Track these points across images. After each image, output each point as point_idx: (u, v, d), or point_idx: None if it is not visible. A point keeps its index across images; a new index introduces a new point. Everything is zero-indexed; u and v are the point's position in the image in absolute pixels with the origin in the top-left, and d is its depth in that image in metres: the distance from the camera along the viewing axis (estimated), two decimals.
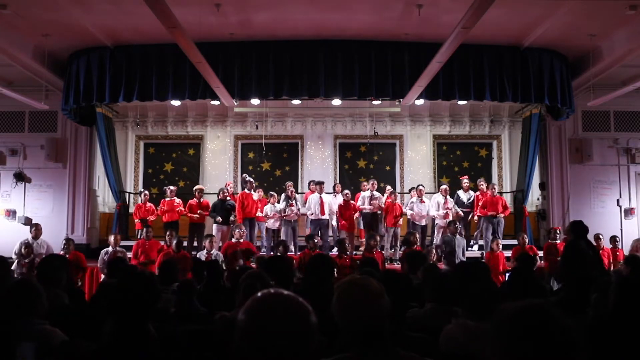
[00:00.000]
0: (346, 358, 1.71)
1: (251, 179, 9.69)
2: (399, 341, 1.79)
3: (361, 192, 9.92)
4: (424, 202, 9.51)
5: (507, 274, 7.44)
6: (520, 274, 4.44)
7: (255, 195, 9.55)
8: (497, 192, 9.75)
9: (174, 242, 7.75)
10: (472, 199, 9.83)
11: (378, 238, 8.48)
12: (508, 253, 8.37)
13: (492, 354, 1.30)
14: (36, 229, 8.22)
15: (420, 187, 9.67)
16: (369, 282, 1.76)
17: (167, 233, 8.26)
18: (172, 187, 9.75)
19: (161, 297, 3.12)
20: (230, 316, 2.90)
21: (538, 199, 11.06)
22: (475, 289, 2.66)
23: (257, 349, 1.17)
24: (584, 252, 5.42)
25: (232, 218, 9.22)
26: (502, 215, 9.31)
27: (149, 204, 9.73)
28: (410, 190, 10.29)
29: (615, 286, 2.33)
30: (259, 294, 1.27)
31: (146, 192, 9.98)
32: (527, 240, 8.46)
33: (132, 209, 11.33)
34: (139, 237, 9.23)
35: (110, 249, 8.00)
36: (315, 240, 8.05)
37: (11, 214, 10.33)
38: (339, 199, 9.81)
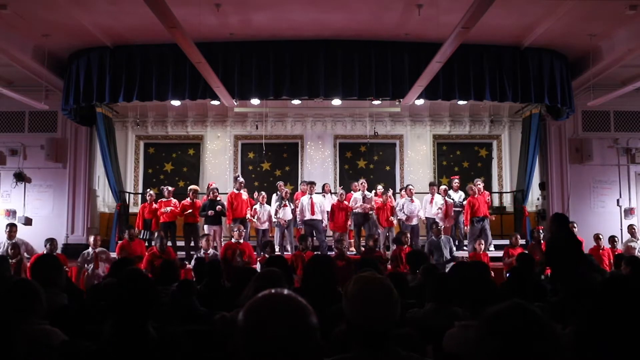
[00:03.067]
0: (348, 358, 1.70)
1: (241, 179, 9.65)
2: (399, 341, 1.78)
3: (352, 192, 9.89)
4: (414, 201, 9.51)
5: (507, 274, 7.44)
6: (521, 274, 4.45)
7: (244, 195, 9.47)
8: (496, 192, 9.72)
9: (158, 243, 7.61)
10: (462, 198, 9.83)
11: (376, 237, 8.47)
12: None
13: (478, 353, 1.32)
14: (10, 230, 8.09)
15: (410, 187, 9.67)
16: (390, 283, 1.75)
17: (156, 235, 8.16)
18: (169, 188, 9.69)
19: (160, 297, 3.12)
20: (230, 316, 2.90)
21: (538, 199, 11.06)
22: (475, 289, 2.67)
23: (256, 350, 1.17)
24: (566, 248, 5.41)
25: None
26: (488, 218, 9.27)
27: (154, 205, 9.65)
28: (400, 190, 10.27)
29: (597, 285, 2.34)
30: (259, 294, 1.26)
31: (152, 192, 9.90)
32: (520, 241, 8.44)
33: (132, 209, 11.35)
34: (140, 237, 9.21)
35: (90, 250, 7.93)
36: (308, 242, 8.03)
37: (11, 214, 10.32)
38: (329, 199, 9.78)
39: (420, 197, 9.92)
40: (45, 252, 7.41)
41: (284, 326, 1.18)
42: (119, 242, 8.77)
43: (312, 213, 9.32)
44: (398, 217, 9.47)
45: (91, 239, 8.06)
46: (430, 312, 3.29)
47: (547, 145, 10.65)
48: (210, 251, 7.96)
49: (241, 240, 8.05)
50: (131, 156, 12.26)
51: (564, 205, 10.45)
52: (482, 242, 8.45)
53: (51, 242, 7.67)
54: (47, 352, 2.39)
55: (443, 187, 9.73)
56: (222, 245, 8.82)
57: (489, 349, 1.30)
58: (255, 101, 9.87)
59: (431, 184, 10.18)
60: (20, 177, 10.41)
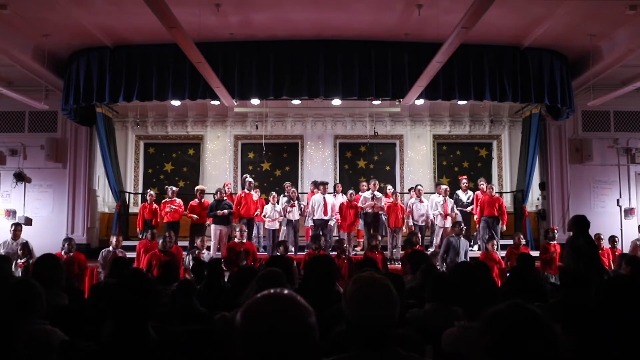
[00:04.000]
0: (348, 358, 1.70)
1: (251, 179, 9.70)
2: (399, 341, 1.78)
3: (360, 192, 9.91)
4: (422, 202, 9.55)
5: (508, 274, 7.43)
6: (521, 274, 4.46)
7: (255, 196, 9.55)
8: (496, 193, 9.74)
9: (160, 241, 7.62)
10: (471, 198, 9.85)
11: (380, 238, 8.46)
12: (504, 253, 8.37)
13: (481, 351, 1.35)
14: (15, 230, 8.08)
15: (419, 187, 9.69)
16: (389, 283, 1.75)
17: (166, 234, 8.19)
18: (174, 188, 9.72)
19: (160, 297, 3.12)
20: (230, 316, 2.89)
21: (538, 199, 11.06)
22: (475, 289, 2.67)
23: (254, 350, 1.17)
24: (582, 251, 5.44)
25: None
26: (502, 224, 9.27)
27: (155, 205, 9.65)
28: (409, 190, 10.29)
29: (599, 286, 2.34)
30: (258, 294, 1.26)
31: (152, 192, 9.88)
32: (522, 241, 8.38)
33: (132, 209, 11.36)
34: (141, 237, 9.21)
35: (110, 248, 7.97)
36: (321, 242, 8.03)
37: (11, 214, 10.32)
38: (339, 199, 9.81)
39: (425, 197, 9.92)
40: (63, 252, 7.49)
41: (282, 326, 1.18)
42: (140, 240, 8.78)
43: (325, 213, 9.34)
44: (409, 223, 9.48)
45: (113, 239, 8.06)
46: (430, 312, 3.29)
47: (547, 145, 10.65)
48: (205, 251, 7.97)
49: (244, 240, 8.07)
50: (131, 156, 12.26)
51: (564, 205, 10.45)
52: (495, 242, 8.40)
53: (69, 241, 7.67)
54: (47, 352, 2.39)
55: (444, 187, 9.72)
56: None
57: (487, 346, 1.32)
58: (255, 101, 9.88)
59: (438, 184, 10.21)
60: (20, 177, 10.41)
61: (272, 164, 12.45)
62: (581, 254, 5.58)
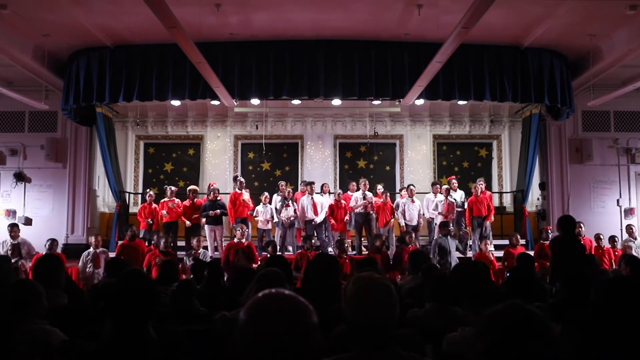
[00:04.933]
0: (348, 358, 1.70)
1: (242, 179, 9.66)
2: (399, 341, 1.78)
3: (349, 192, 9.87)
4: (414, 202, 9.52)
5: (507, 274, 7.42)
6: (520, 274, 4.45)
7: (246, 195, 9.48)
8: (496, 192, 9.70)
9: (162, 242, 7.66)
10: (463, 197, 9.83)
11: (384, 238, 8.44)
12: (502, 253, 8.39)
13: (475, 351, 1.34)
14: (12, 230, 8.08)
15: (412, 187, 9.67)
16: (389, 283, 1.75)
17: (156, 236, 8.15)
18: (172, 188, 9.69)
19: (160, 297, 3.12)
20: (230, 316, 2.89)
21: (538, 199, 11.06)
22: (475, 289, 2.67)
23: (256, 350, 1.17)
24: (569, 250, 5.43)
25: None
26: (488, 222, 9.22)
27: (154, 205, 9.62)
28: (400, 190, 10.26)
29: (598, 286, 2.34)
30: (260, 294, 1.26)
31: (152, 192, 9.83)
32: (521, 241, 8.36)
33: (132, 209, 11.35)
34: (140, 237, 9.19)
35: (91, 249, 7.93)
36: (312, 241, 8.06)
37: (11, 214, 10.32)
38: (327, 199, 9.80)
39: (420, 197, 9.91)
40: (45, 252, 7.45)
41: (284, 326, 1.18)
42: (120, 241, 8.76)
43: (315, 213, 9.33)
44: (401, 223, 9.46)
45: (92, 239, 8.06)
46: (430, 312, 3.28)
47: (547, 145, 10.65)
48: (201, 251, 7.98)
49: (244, 240, 8.07)
50: (131, 156, 12.26)
51: (564, 205, 10.45)
52: (488, 242, 8.40)
53: (51, 242, 7.76)
54: (47, 352, 2.39)
55: (445, 186, 9.70)
56: (223, 244, 8.83)
57: (486, 347, 1.32)
58: (255, 101, 9.87)
59: (433, 184, 10.20)
60: (20, 177, 10.41)
61: (272, 164, 12.45)
62: (559, 253, 5.53)
